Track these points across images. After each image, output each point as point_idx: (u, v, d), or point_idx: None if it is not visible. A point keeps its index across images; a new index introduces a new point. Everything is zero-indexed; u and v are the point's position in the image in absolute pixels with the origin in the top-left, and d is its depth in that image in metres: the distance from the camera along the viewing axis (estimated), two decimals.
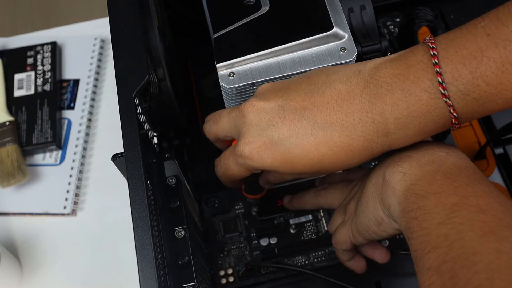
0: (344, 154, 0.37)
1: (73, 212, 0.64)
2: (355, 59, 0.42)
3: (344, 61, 0.41)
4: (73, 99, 0.71)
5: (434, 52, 0.34)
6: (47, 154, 0.67)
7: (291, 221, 0.57)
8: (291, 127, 0.37)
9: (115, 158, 0.40)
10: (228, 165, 0.42)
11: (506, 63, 0.32)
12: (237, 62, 0.42)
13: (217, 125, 0.43)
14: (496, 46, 0.32)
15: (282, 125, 0.38)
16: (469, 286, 0.29)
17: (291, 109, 0.37)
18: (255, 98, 0.40)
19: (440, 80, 0.33)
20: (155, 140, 0.48)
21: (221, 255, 0.56)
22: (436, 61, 0.34)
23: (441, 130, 0.36)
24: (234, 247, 0.57)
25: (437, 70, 0.33)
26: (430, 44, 0.34)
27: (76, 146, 0.67)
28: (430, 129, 0.36)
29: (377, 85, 0.36)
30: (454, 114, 0.34)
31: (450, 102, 0.34)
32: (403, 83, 0.35)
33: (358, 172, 0.51)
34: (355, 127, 0.36)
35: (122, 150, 0.38)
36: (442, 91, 0.33)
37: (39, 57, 0.72)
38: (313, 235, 0.57)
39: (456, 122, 0.35)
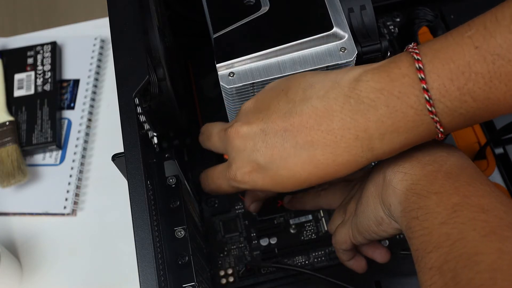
0: (330, 170, 0.36)
1: (73, 212, 0.64)
2: (355, 59, 0.42)
3: (344, 61, 0.41)
4: (73, 99, 0.71)
5: (420, 65, 0.32)
6: (47, 154, 0.67)
7: (291, 221, 0.57)
8: (274, 150, 0.37)
9: (115, 158, 0.40)
10: (219, 185, 0.43)
11: (494, 79, 0.31)
12: (237, 62, 0.42)
13: (209, 142, 0.44)
14: (484, 61, 0.31)
15: (266, 149, 0.37)
16: (471, 286, 0.29)
17: (272, 132, 0.37)
18: (239, 122, 0.40)
19: (427, 97, 0.32)
20: (155, 140, 0.48)
21: (221, 255, 0.56)
22: (422, 76, 0.32)
23: (426, 141, 0.35)
24: (234, 247, 0.57)
25: (423, 87, 0.32)
26: (415, 55, 0.33)
27: (76, 146, 0.67)
28: (416, 142, 0.35)
29: (358, 100, 0.34)
30: (441, 129, 0.33)
31: (437, 119, 0.33)
32: (387, 99, 0.33)
33: (358, 172, 0.51)
34: (338, 144, 0.35)
35: (122, 150, 0.38)
36: (429, 108, 0.32)
37: (39, 57, 0.72)
38: (313, 235, 0.57)
39: (442, 136, 0.34)
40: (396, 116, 0.33)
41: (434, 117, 0.33)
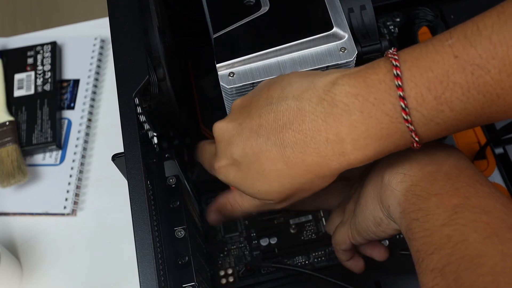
0: (299, 169, 0.36)
1: (73, 212, 0.64)
2: (355, 59, 0.42)
3: (344, 61, 0.41)
4: (73, 99, 0.71)
5: (398, 72, 0.32)
6: (47, 154, 0.67)
7: (291, 221, 0.57)
8: (247, 144, 0.37)
9: (115, 158, 0.40)
10: (205, 164, 0.45)
11: (472, 89, 0.31)
12: (237, 62, 0.42)
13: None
14: (463, 71, 0.30)
15: (240, 143, 0.38)
16: None
17: (248, 127, 0.37)
18: (226, 117, 0.40)
19: (403, 105, 0.32)
20: (155, 140, 0.48)
21: (221, 255, 0.56)
22: (400, 83, 0.32)
23: (402, 149, 0.35)
24: (234, 247, 0.57)
25: (400, 94, 0.32)
26: (394, 62, 0.32)
27: (76, 146, 0.67)
28: (390, 150, 0.35)
29: (332, 103, 0.34)
30: (416, 139, 0.33)
31: (413, 128, 0.32)
32: (362, 105, 0.33)
33: (355, 171, 0.50)
34: (307, 144, 0.35)
35: (122, 150, 0.38)
36: (405, 117, 0.32)
37: (39, 57, 0.72)
38: (313, 235, 0.57)
39: (418, 146, 0.34)
40: (370, 123, 0.33)
41: (410, 125, 0.32)
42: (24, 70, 0.71)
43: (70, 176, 0.66)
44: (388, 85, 0.32)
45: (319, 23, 0.42)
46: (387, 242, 0.54)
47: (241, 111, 0.39)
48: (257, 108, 0.38)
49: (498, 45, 0.30)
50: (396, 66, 0.32)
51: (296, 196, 0.39)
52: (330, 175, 0.36)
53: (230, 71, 0.42)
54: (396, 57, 0.33)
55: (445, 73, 0.31)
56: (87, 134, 0.69)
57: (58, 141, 0.67)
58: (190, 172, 0.56)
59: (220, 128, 0.40)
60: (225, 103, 0.44)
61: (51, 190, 0.65)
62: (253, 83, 0.41)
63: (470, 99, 0.31)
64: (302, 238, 0.56)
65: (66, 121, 0.69)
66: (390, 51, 0.33)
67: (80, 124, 0.69)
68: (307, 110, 0.35)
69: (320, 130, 0.34)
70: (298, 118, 0.35)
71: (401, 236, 0.54)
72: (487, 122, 0.33)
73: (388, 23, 0.67)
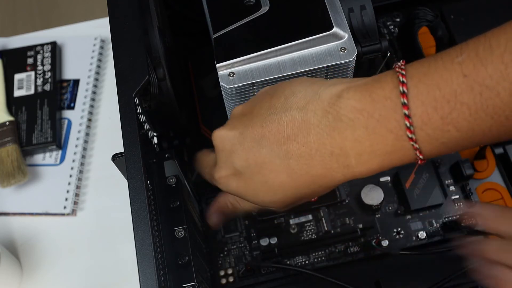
0: (303, 181, 0.35)
1: (73, 212, 0.64)
2: (355, 59, 0.42)
3: (344, 61, 0.41)
4: (73, 99, 0.71)
5: (404, 89, 0.31)
6: (47, 154, 0.67)
7: (291, 221, 0.57)
8: (250, 154, 0.36)
9: (115, 158, 0.40)
10: (203, 174, 0.44)
11: (479, 110, 0.30)
12: (237, 62, 0.42)
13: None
14: (471, 91, 0.29)
15: (242, 153, 0.37)
16: None
17: (250, 137, 0.37)
18: (225, 124, 0.39)
19: (408, 124, 0.31)
20: (155, 140, 0.48)
21: (221, 255, 0.56)
22: (405, 101, 0.31)
23: (407, 163, 0.34)
24: (234, 247, 0.57)
25: (405, 113, 0.31)
26: (401, 77, 0.32)
27: (76, 146, 0.67)
28: (396, 164, 0.34)
29: (337, 117, 0.33)
30: (421, 156, 0.33)
31: (417, 146, 0.32)
32: (367, 121, 0.32)
33: None
34: (312, 157, 0.34)
35: (122, 150, 0.38)
36: (409, 135, 0.31)
37: (39, 57, 0.72)
38: (313, 235, 0.57)
39: (422, 162, 0.33)
40: (375, 139, 0.33)
41: (414, 144, 0.32)
42: (24, 70, 0.71)
43: (70, 176, 0.66)
44: (394, 102, 0.32)
45: (319, 23, 0.42)
46: (387, 242, 0.54)
47: (241, 118, 0.38)
48: (259, 117, 0.37)
49: (510, 66, 0.28)
50: (403, 82, 0.31)
51: (299, 203, 0.39)
52: (334, 185, 0.36)
53: (230, 71, 0.42)
54: (403, 72, 0.32)
55: (453, 93, 0.30)
56: (87, 134, 0.69)
57: (58, 141, 0.67)
58: (190, 172, 0.56)
59: (220, 136, 0.38)
60: (225, 103, 0.44)
61: (51, 190, 0.65)
62: (253, 83, 0.42)
63: (477, 120, 0.30)
64: (302, 238, 0.56)
65: (66, 121, 0.69)
66: (399, 64, 0.33)
67: (80, 124, 0.69)
68: (312, 123, 0.34)
69: (325, 143, 0.34)
70: (303, 131, 0.34)
71: (401, 236, 0.54)
72: (495, 142, 0.32)
73: (388, 23, 0.67)
